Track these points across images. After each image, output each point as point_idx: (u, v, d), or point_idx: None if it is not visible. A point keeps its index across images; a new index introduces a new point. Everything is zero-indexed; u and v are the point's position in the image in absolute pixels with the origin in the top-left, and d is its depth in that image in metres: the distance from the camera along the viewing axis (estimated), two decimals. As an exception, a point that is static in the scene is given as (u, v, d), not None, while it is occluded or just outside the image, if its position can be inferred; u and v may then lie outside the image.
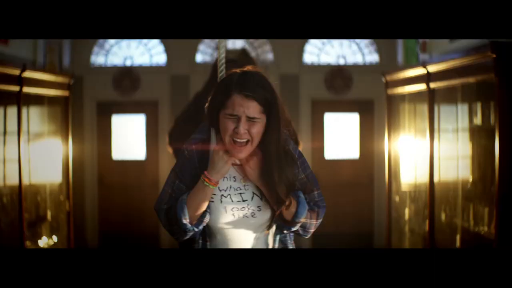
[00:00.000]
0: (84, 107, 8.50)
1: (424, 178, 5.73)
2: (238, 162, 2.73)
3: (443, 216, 5.24)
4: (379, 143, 8.24)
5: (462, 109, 4.88)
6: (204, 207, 2.68)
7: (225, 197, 2.74)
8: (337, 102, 8.58)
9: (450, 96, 5.14)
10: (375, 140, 8.53)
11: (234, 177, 2.77)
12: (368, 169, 8.65)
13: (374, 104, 8.61)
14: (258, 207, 2.75)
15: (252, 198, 2.75)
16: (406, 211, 6.30)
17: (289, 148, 2.78)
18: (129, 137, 8.66)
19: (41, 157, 6.00)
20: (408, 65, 6.61)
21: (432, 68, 5.41)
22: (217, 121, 2.70)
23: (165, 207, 2.76)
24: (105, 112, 8.61)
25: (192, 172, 2.74)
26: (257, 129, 2.65)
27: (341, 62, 8.66)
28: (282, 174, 2.69)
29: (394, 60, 8.08)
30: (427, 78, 5.54)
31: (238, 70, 2.75)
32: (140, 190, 8.55)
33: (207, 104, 2.78)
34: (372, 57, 8.66)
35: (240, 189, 2.76)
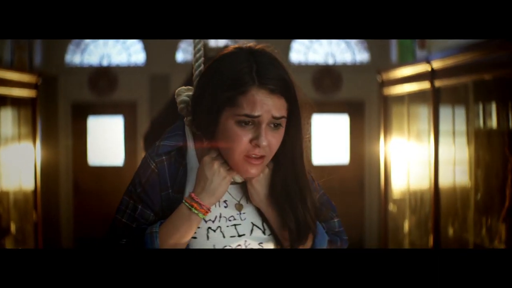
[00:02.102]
0: (59, 109, 8.17)
1: (426, 187, 5.27)
2: (238, 179, 1.93)
3: (450, 231, 4.79)
4: (370, 147, 7.91)
5: (474, 110, 4.41)
6: (185, 244, 1.87)
7: (214, 230, 1.90)
8: (326, 103, 8.17)
9: (458, 96, 4.67)
10: (366, 144, 8.19)
11: (225, 201, 1.94)
12: (359, 175, 8.29)
13: (365, 105, 8.29)
14: (260, 244, 1.93)
15: (252, 231, 1.93)
16: (406, 223, 5.86)
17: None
18: (106, 140, 8.33)
19: (10, 163, 5.59)
20: (405, 62, 6.18)
21: (437, 64, 4.93)
22: (214, 127, 1.85)
23: (123, 242, 1.90)
24: (80, 114, 8.29)
25: (162, 194, 1.92)
26: (279, 139, 1.85)
27: (330, 61, 8.33)
28: (306, 196, 1.92)
29: (387, 58, 7.70)
30: (431, 75, 5.07)
31: (241, 47, 1.92)
32: (119, 197, 8.13)
33: (186, 105, 2.01)
34: (363, 56, 8.34)
35: (235, 219, 1.92)
